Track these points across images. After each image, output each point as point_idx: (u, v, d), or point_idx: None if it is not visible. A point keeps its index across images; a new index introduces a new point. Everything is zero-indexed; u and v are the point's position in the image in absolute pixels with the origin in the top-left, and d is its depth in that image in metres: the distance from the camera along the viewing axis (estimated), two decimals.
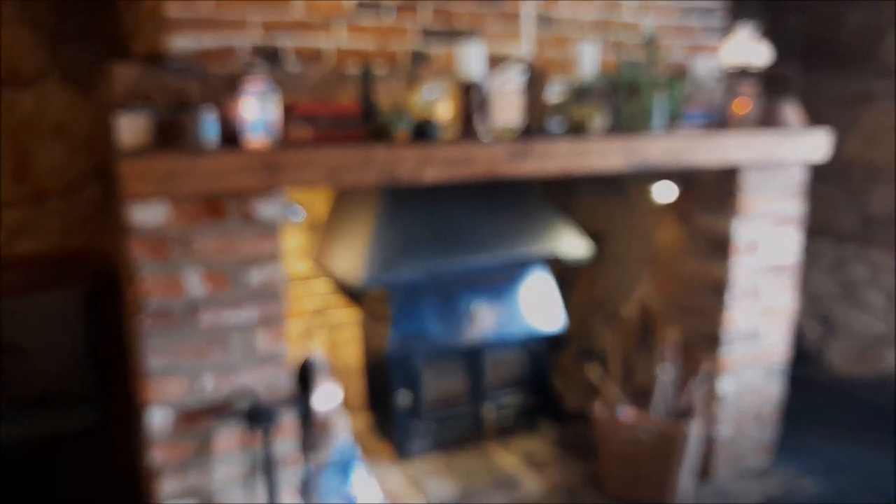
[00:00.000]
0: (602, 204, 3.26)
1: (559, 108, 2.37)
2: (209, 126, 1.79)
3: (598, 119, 2.19)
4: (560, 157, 2.13)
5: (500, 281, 2.85)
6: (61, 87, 2.70)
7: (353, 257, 2.53)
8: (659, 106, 2.34)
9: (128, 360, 2.37)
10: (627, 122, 2.31)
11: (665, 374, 2.60)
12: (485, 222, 2.72)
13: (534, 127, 2.22)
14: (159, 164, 1.66)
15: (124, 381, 2.42)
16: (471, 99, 2.13)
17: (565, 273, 3.39)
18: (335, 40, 2.19)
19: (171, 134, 1.78)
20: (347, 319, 3.04)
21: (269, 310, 1.88)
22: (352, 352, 3.05)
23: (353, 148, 1.87)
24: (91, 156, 2.76)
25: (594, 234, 3.24)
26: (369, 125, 2.04)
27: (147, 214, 1.72)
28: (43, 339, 2.57)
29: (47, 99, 2.70)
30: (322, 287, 2.96)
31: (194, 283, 1.79)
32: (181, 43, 1.98)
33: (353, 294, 2.95)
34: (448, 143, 2.03)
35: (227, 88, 1.93)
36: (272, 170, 1.76)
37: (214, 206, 1.79)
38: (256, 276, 1.85)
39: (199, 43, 2.00)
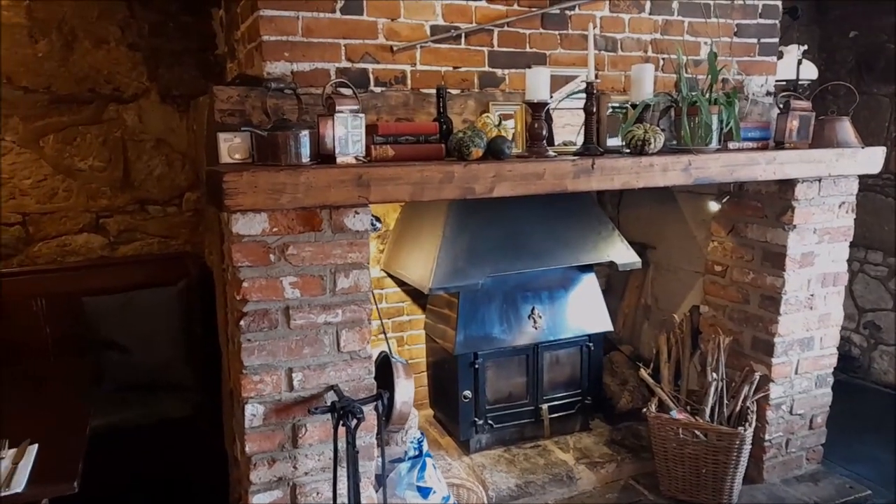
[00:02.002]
0: (652, 214, 3.24)
1: (620, 126, 2.37)
2: (305, 143, 1.86)
3: (660, 137, 2.19)
4: (624, 174, 2.13)
5: (557, 286, 2.86)
6: (160, 104, 2.81)
7: (422, 263, 2.58)
8: (717, 123, 2.32)
9: (221, 354, 2.46)
10: (687, 138, 2.30)
11: (717, 379, 2.57)
12: (543, 231, 2.74)
13: (595, 144, 2.23)
14: (261, 178, 1.73)
15: (218, 373, 2.51)
16: (538, 118, 2.15)
17: (615, 279, 3.39)
18: (414, 63, 2.24)
19: (269, 151, 1.85)
20: (414, 320, 3.09)
21: (355, 312, 1.93)
22: (417, 350, 3.10)
23: (435, 165, 1.91)
24: (188, 167, 2.87)
25: (643, 243, 3.24)
26: (446, 143, 2.08)
27: (248, 225, 1.79)
28: (143, 333, 2.68)
29: (147, 115, 2.81)
30: (392, 289, 3.01)
31: (289, 287, 1.85)
32: (276, 66, 2.05)
33: (421, 297, 3.00)
34: (519, 160, 2.06)
35: (317, 108, 2.00)
36: (363, 185, 1.81)
37: (309, 218, 1.85)
38: (345, 282, 1.91)
39: (292, 66, 2.07)
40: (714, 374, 2.58)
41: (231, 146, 1.97)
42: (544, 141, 2.19)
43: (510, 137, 2.17)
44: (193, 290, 2.75)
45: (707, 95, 2.33)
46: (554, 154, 2.17)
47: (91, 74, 2.71)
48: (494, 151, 2.04)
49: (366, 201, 1.86)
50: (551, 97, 2.20)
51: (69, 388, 2.28)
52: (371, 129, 2.03)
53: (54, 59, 2.66)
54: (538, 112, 2.15)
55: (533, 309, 2.78)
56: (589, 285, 2.92)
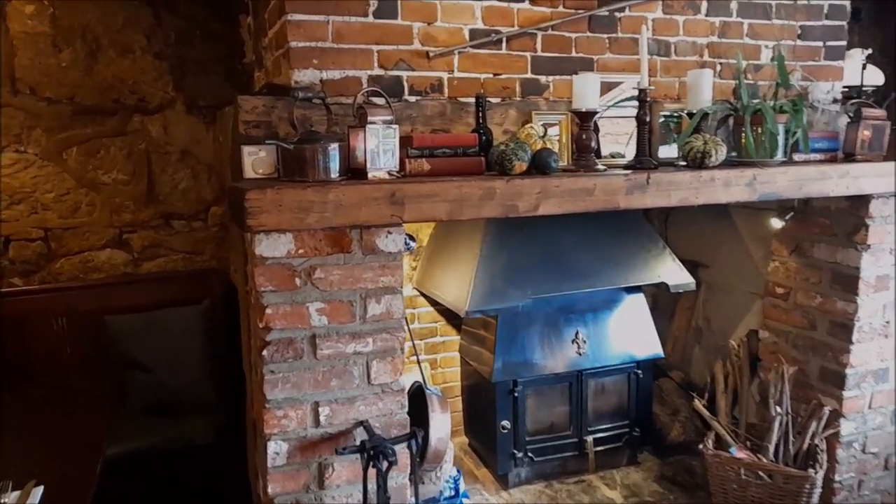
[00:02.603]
0: (703, 230, 3.02)
1: (672, 136, 2.18)
2: (334, 157, 1.71)
3: (722, 148, 1.99)
4: (682, 189, 1.94)
5: (603, 308, 2.67)
6: (186, 114, 2.71)
7: (458, 283, 2.42)
8: (784, 133, 2.12)
9: (245, 377, 2.33)
10: (751, 149, 2.09)
11: (782, 413, 2.35)
12: (589, 249, 2.56)
13: (647, 156, 2.04)
14: (287, 196, 1.58)
15: (243, 395, 2.38)
16: (586, 128, 1.97)
17: (663, 299, 3.17)
18: (451, 70, 2.08)
19: (296, 165, 1.71)
20: (448, 341, 2.92)
21: (387, 341, 1.77)
22: (451, 373, 2.93)
23: (474, 181, 1.75)
24: (214, 180, 2.76)
25: (694, 261, 3.02)
26: (486, 156, 1.92)
27: (273, 246, 1.64)
28: (166, 353, 2.57)
29: (173, 126, 2.71)
30: (425, 308, 2.86)
31: (316, 314, 1.70)
32: (304, 74, 1.91)
33: (455, 317, 2.83)
34: (565, 174, 1.89)
35: (348, 119, 1.85)
36: (396, 203, 1.66)
37: (338, 238, 1.70)
38: (376, 308, 1.75)
39: (322, 74, 1.93)
40: (778, 408, 2.35)
41: (255, 160, 1.83)
42: (593, 153, 2.01)
43: (555, 149, 2.00)
44: (218, 308, 2.63)
45: (772, 103, 2.13)
46: (603, 167, 1.99)
47: (115, 84, 2.62)
48: (539, 165, 1.87)
49: (399, 220, 1.70)
50: (601, 105, 2.02)
51: (88, 412, 2.18)
52: (405, 142, 1.88)
53: (78, 69, 2.57)
54: (586, 122, 1.97)
55: (577, 333, 2.59)
56: (637, 307, 2.71)
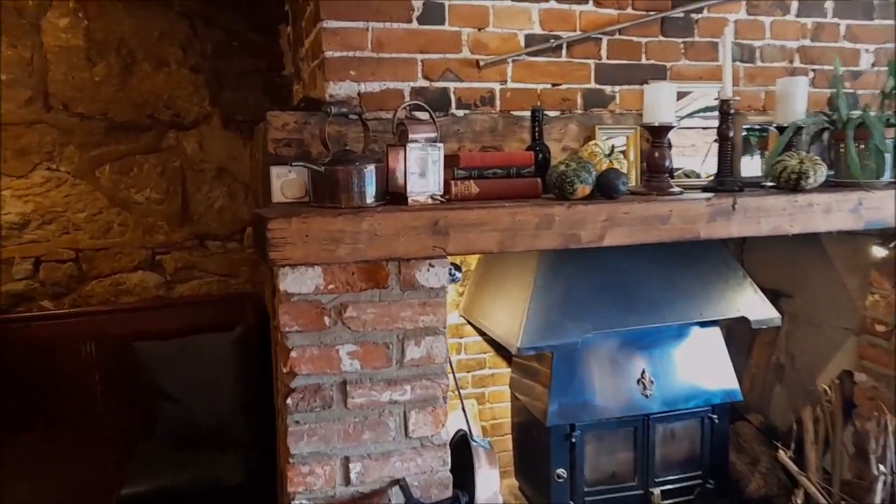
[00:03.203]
0: (786, 255, 2.70)
1: (755, 152, 1.91)
2: (370, 180, 1.52)
3: (821, 169, 1.71)
4: (774, 216, 1.67)
5: (673, 344, 2.39)
6: (222, 130, 2.58)
7: (509, 315, 2.18)
8: (893, 149, 1.82)
9: (277, 413, 2.15)
10: (854, 170, 1.80)
11: (886, 473, 2.02)
12: (658, 277, 2.28)
13: (730, 175, 1.78)
14: (314, 226, 1.40)
15: (275, 432, 2.20)
16: (659, 145, 1.73)
17: (740, 332, 2.86)
18: (504, 80, 1.86)
19: (327, 189, 1.52)
20: (498, 374, 2.69)
21: (427, 389, 1.56)
22: (501, 409, 2.70)
23: (530, 207, 1.52)
24: (251, 199, 2.62)
25: (776, 290, 2.70)
26: (543, 178, 1.69)
27: (299, 281, 1.45)
28: (197, 383, 2.42)
29: (209, 142, 2.58)
30: (472, 338, 2.63)
31: (347, 358, 1.51)
32: (340, 87, 1.73)
33: (506, 349, 2.60)
34: (636, 198, 1.64)
35: (388, 136, 1.66)
36: (440, 232, 1.45)
37: (373, 272, 1.50)
38: (415, 351, 1.54)
39: (359, 86, 1.74)
40: (881, 467, 2.03)
41: (285, 183, 1.66)
42: (667, 174, 1.76)
43: (623, 169, 1.76)
44: (252, 336, 2.47)
45: (880, 115, 1.83)
46: (679, 190, 1.73)
47: (150, 99, 2.50)
48: (605, 188, 1.63)
49: (443, 253, 1.49)
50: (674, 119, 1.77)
51: (110, 443, 2.04)
52: (451, 161, 1.67)
53: (112, 84, 2.47)
54: (659, 138, 1.73)
55: (643, 372, 2.31)
56: (711, 342, 2.42)
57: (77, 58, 2.43)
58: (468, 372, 2.65)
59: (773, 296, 2.64)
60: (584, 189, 1.60)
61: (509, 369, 2.66)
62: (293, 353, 1.48)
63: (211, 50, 2.54)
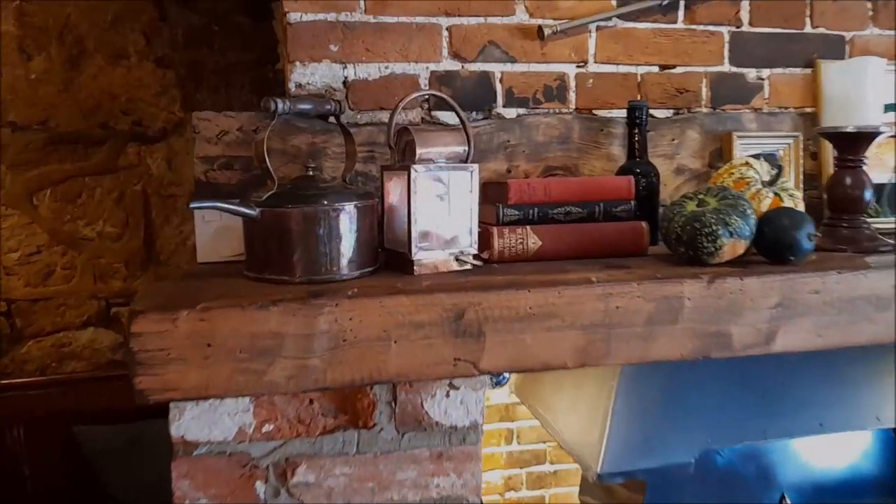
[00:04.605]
0: None
1: None
2: (346, 232, 0.84)
3: None
4: None
5: (828, 463, 1.62)
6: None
7: (584, 417, 1.46)
8: None
9: None
10: None
11: None
12: (808, 366, 1.52)
13: None
14: (222, 326, 0.73)
15: None
16: (853, 166, 0.99)
17: None
18: (583, 60, 1.16)
19: (266, 249, 0.85)
20: (562, 470, 1.98)
21: None
22: None
23: (635, 282, 0.81)
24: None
25: None
26: (650, 219, 0.98)
27: (207, 421, 0.78)
28: (153, 485, 1.80)
29: (181, 158, 1.96)
30: (527, 421, 1.95)
31: None
32: (312, 70, 1.05)
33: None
34: (826, 261, 0.91)
35: (388, 153, 0.98)
36: (469, 333, 0.76)
37: (347, 401, 0.81)
38: None
39: (345, 70, 1.07)
40: None
41: (218, 231, 0.99)
42: (865, 215, 1.02)
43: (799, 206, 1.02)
44: None
45: None
46: (891, 243, 0.99)
47: (104, 102, 1.90)
48: (775, 244, 0.90)
49: (473, 370, 0.79)
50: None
51: None
52: (495, 193, 0.98)
53: (54, 83, 1.87)
54: (854, 153, 0.99)
55: (782, 499, 1.56)
56: (883, 455, 1.64)
57: (8, 49, 1.84)
58: (521, 468, 1.95)
59: None
60: (735, 246, 0.87)
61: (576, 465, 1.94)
62: None
63: (183, 37, 1.92)
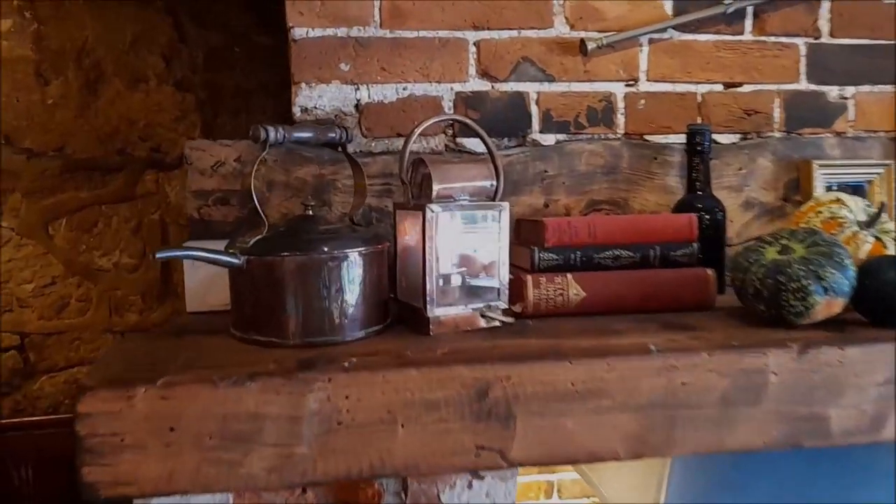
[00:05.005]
0: None
1: None
2: (348, 285, 0.69)
3: None
4: None
5: None
6: None
7: (634, 484, 1.28)
8: None
9: None
10: None
11: None
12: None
13: None
14: (189, 406, 0.59)
15: None
16: None
17: None
18: (632, 77, 1.00)
19: (255, 301, 0.71)
20: None
21: None
22: None
23: (704, 351, 0.64)
24: None
25: None
26: (717, 268, 0.81)
27: None
28: None
29: None
30: (567, 472, 1.77)
31: None
32: (319, 92, 0.92)
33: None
34: None
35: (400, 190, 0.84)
36: (495, 415, 0.61)
37: (348, 493, 0.66)
38: None
39: (358, 92, 0.94)
40: None
41: (204, 279, 0.86)
42: None
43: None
44: None
45: None
46: None
47: (121, 128, 1.82)
48: (880, 304, 0.71)
49: (500, 462, 0.63)
50: None
51: None
52: (530, 234, 0.83)
53: (70, 108, 1.80)
54: None
55: None
56: None
57: (24, 73, 1.77)
58: None
59: None
60: (830, 305, 0.69)
61: None
62: None
63: (203, 59, 1.83)
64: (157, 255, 0.66)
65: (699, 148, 0.92)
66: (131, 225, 1.84)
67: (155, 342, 0.74)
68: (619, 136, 0.99)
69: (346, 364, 0.62)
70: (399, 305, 0.79)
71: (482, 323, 0.75)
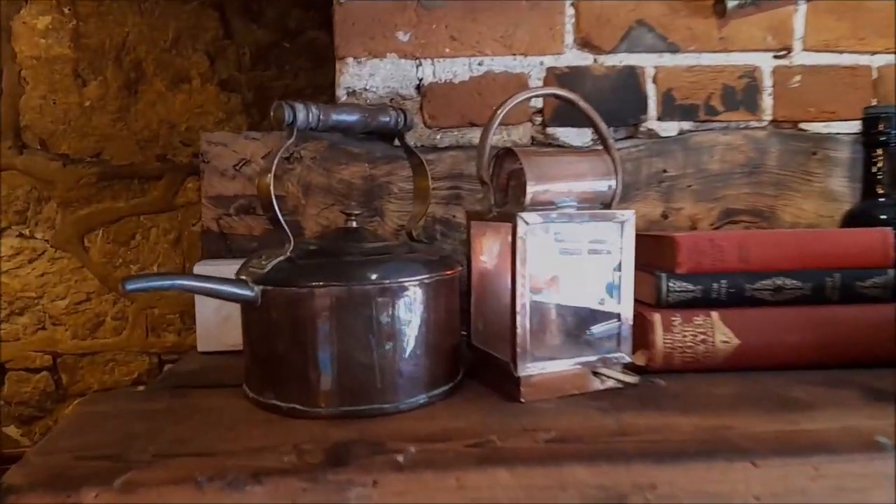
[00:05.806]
0: None
1: None
2: (402, 328, 0.47)
3: None
4: None
5: None
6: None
7: None
8: None
9: None
10: None
11: None
12: None
13: None
14: None
15: None
16: None
17: None
18: (783, 46, 0.75)
19: (273, 349, 0.50)
20: None
21: None
22: None
23: None
24: None
25: None
26: None
27: None
28: None
29: None
30: None
31: None
32: (368, 68, 0.72)
33: None
34: None
35: (474, 182, 0.62)
36: None
37: None
38: None
39: (419, 69, 0.72)
40: None
41: (217, 315, 0.66)
42: None
43: None
44: None
45: None
46: None
47: (162, 132, 1.67)
48: None
49: None
50: None
51: None
52: (650, 252, 0.59)
53: (108, 110, 1.66)
54: None
55: None
56: None
57: (62, 73, 1.65)
58: None
59: None
60: None
61: None
62: None
63: (251, 57, 1.67)
64: (127, 287, 0.45)
65: (882, 138, 0.67)
66: (170, 237, 1.69)
67: (137, 405, 0.54)
68: (765, 123, 0.74)
69: (401, 458, 0.40)
70: (473, 351, 0.57)
71: (596, 384, 0.52)
